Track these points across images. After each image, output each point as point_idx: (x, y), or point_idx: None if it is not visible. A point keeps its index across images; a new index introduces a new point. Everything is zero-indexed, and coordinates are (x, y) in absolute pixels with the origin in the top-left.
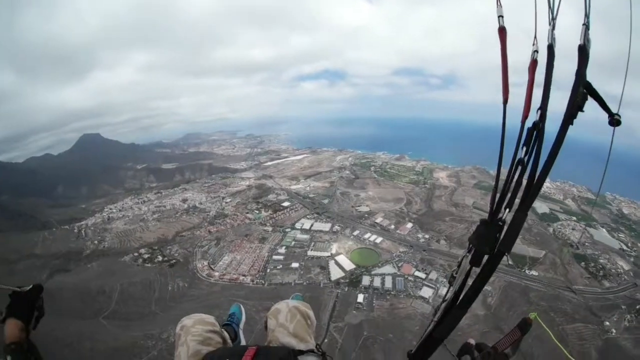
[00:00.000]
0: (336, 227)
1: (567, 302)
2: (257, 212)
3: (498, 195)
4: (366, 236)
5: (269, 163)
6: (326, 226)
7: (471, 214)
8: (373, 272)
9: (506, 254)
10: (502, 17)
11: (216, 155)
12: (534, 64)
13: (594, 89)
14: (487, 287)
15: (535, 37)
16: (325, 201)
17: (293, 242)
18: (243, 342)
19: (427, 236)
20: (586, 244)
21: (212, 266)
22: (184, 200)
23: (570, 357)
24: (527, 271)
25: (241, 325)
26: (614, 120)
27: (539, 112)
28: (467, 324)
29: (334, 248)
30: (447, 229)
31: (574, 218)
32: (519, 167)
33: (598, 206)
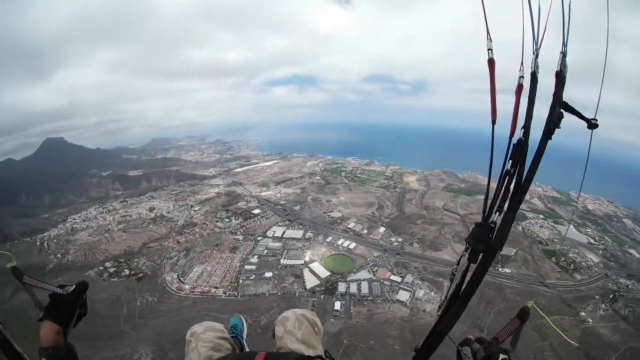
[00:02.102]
0: (309, 233)
1: (542, 296)
2: (227, 220)
3: (489, 201)
4: (339, 242)
5: (239, 169)
6: (298, 233)
7: (442, 216)
8: (349, 278)
9: (498, 251)
10: (492, 50)
11: (184, 162)
12: (519, 88)
13: (569, 106)
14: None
15: (521, 64)
16: (297, 208)
17: (265, 251)
18: None
19: (400, 240)
20: (555, 240)
21: (182, 279)
22: (151, 209)
23: (568, 339)
24: (500, 269)
25: (244, 336)
26: (592, 125)
27: (523, 130)
28: None
29: (308, 255)
30: (420, 231)
31: (541, 216)
32: (507, 177)
33: (563, 204)
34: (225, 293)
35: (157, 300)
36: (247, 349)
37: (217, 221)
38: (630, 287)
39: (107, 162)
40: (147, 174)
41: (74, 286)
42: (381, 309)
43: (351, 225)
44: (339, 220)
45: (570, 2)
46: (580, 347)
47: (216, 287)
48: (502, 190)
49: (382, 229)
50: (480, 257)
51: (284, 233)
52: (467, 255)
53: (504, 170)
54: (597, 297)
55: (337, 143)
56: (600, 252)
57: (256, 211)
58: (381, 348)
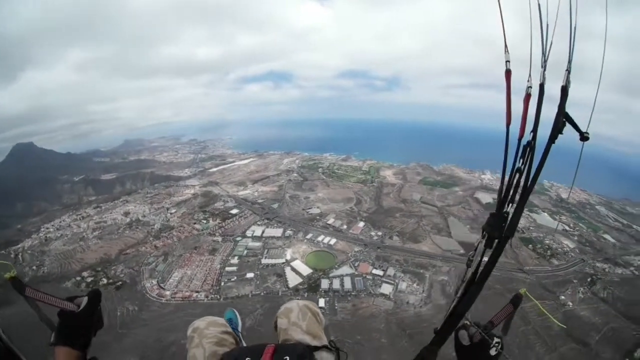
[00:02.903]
0: (288, 231)
1: (522, 282)
2: (204, 221)
3: (503, 193)
4: (320, 238)
5: (214, 169)
6: (278, 232)
7: (420, 208)
8: (331, 275)
9: (510, 237)
10: (509, 62)
11: (158, 163)
12: (527, 96)
13: (570, 118)
14: (444, 277)
15: (530, 75)
16: (275, 206)
17: (245, 251)
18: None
19: (380, 233)
20: (530, 227)
21: (161, 285)
22: (126, 214)
23: (558, 323)
24: (478, 258)
25: (239, 329)
26: (584, 137)
27: (532, 134)
28: (431, 314)
29: (289, 254)
30: (399, 224)
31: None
32: (517, 174)
33: (537, 193)
34: (207, 297)
35: (138, 308)
36: (243, 343)
37: (194, 223)
38: (607, 270)
39: (79, 166)
40: (120, 177)
41: (86, 298)
42: (365, 304)
43: (330, 221)
44: (318, 217)
45: (575, 24)
46: (563, 329)
47: (197, 291)
48: (513, 185)
49: (361, 224)
50: (495, 243)
51: (263, 232)
52: (483, 242)
53: (515, 168)
54: (575, 281)
55: (314, 139)
56: (576, 238)
57: (234, 211)
58: (368, 342)
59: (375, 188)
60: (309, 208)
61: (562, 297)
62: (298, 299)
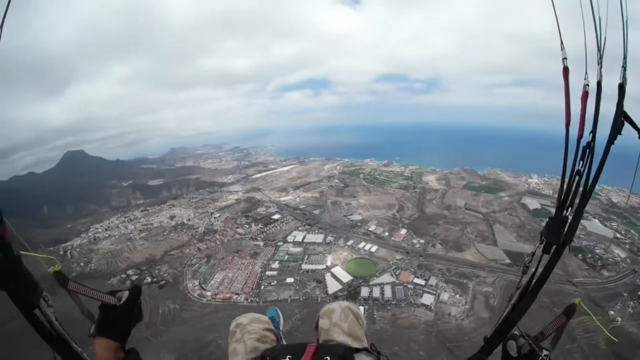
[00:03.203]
0: (329, 237)
1: (569, 295)
2: (247, 226)
3: (562, 197)
4: (361, 245)
5: (257, 175)
6: (319, 237)
7: (464, 215)
8: (371, 283)
9: (569, 244)
10: (566, 59)
11: (203, 170)
12: (585, 95)
13: (628, 116)
14: (488, 288)
15: (586, 73)
16: (316, 212)
17: (286, 256)
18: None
19: (422, 241)
20: (580, 235)
21: (203, 286)
22: (172, 217)
23: (611, 336)
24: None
25: (281, 328)
26: None
27: (591, 134)
28: (473, 327)
29: (329, 260)
30: (442, 232)
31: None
32: (577, 177)
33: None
34: (247, 299)
35: (179, 307)
36: (283, 342)
37: (237, 227)
38: None
39: (127, 172)
40: (166, 183)
41: (127, 292)
42: (405, 314)
43: (372, 228)
44: (359, 223)
45: (627, 18)
46: (610, 349)
47: (238, 294)
48: (573, 188)
49: (403, 231)
50: (553, 249)
51: (304, 238)
52: (541, 247)
53: (574, 170)
54: (625, 294)
55: (354, 145)
56: (627, 246)
57: (276, 216)
58: (406, 354)
59: (417, 194)
60: (350, 214)
61: (612, 312)
62: (341, 300)
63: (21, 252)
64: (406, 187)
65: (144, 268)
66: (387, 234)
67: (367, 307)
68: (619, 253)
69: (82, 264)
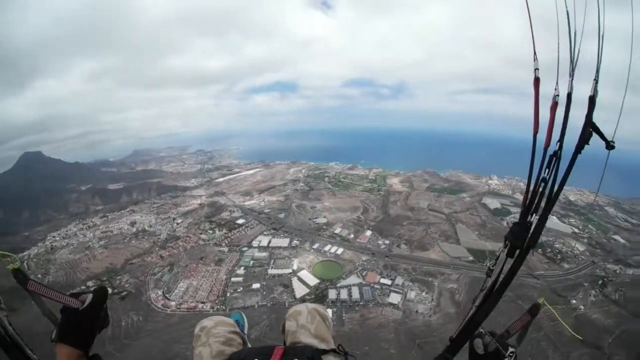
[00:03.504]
0: (295, 241)
1: (532, 288)
2: (210, 232)
3: (527, 202)
4: (327, 248)
5: (221, 179)
6: (285, 242)
7: (427, 216)
8: (338, 285)
9: (532, 248)
10: (538, 69)
11: (165, 173)
12: (554, 105)
13: (597, 127)
14: (453, 285)
15: (556, 83)
16: (282, 215)
17: (252, 262)
18: None
19: (387, 242)
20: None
21: (167, 295)
22: (132, 224)
23: (575, 335)
24: (488, 264)
25: (246, 331)
26: (610, 146)
27: (558, 144)
28: (441, 322)
29: (295, 264)
30: (406, 232)
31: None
32: (542, 184)
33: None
34: (213, 308)
35: (142, 319)
36: (249, 345)
37: (200, 233)
38: (618, 272)
39: (87, 176)
40: (127, 187)
41: (91, 295)
42: (374, 314)
43: (337, 231)
44: (324, 226)
45: (603, 33)
46: (575, 334)
47: (203, 302)
48: (538, 195)
49: (368, 233)
50: (517, 253)
51: (269, 242)
52: (505, 251)
53: (540, 177)
54: (586, 284)
55: (320, 149)
56: (585, 240)
57: (240, 221)
58: (377, 353)
59: (382, 196)
60: (316, 217)
61: (574, 301)
62: (307, 302)
63: None
64: (371, 190)
65: (105, 279)
66: (352, 236)
67: (335, 309)
68: (578, 246)
69: (39, 275)
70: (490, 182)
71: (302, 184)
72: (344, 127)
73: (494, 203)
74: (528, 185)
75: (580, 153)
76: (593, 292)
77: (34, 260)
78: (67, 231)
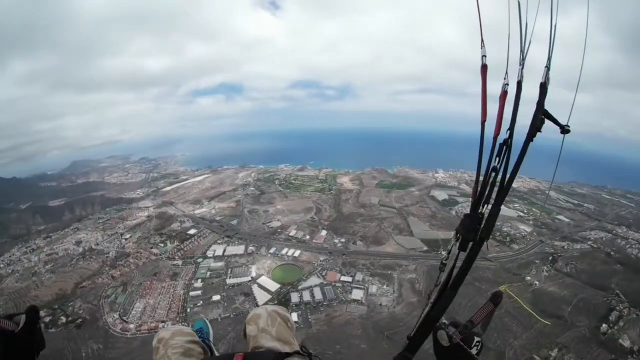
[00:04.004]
0: (251, 247)
1: (487, 269)
2: (162, 245)
3: (477, 193)
4: (284, 252)
5: (168, 188)
6: (240, 249)
7: (379, 211)
8: (300, 287)
9: (485, 240)
10: (485, 56)
11: (108, 185)
12: (504, 94)
13: (549, 114)
14: (411, 275)
15: (506, 72)
16: (234, 222)
17: (208, 273)
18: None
19: (343, 240)
20: None
21: (124, 318)
22: (78, 243)
23: (539, 318)
24: (442, 252)
25: (211, 339)
26: (565, 130)
27: (508, 132)
28: (405, 312)
29: (254, 270)
30: (360, 229)
31: (471, 199)
32: (493, 173)
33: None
34: (165, 327)
35: (102, 346)
36: (216, 353)
37: (151, 248)
38: (566, 247)
39: (25, 192)
40: (69, 203)
41: (24, 316)
42: (339, 312)
43: (292, 233)
44: (279, 230)
45: (556, 22)
46: (535, 307)
47: (163, 321)
48: (489, 185)
49: (324, 232)
50: (470, 245)
51: (224, 251)
52: (457, 245)
53: (491, 167)
54: (537, 261)
55: (268, 151)
56: (531, 222)
57: (192, 231)
58: (348, 350)
59: (333, 196)
60: (269, 221)
61: (528, 278)
62: (267, 305)
63: None
64: (322, 190)
65: (56, 306)
66: (308, 237)
67: (300, 312)
68: (525, 228)
69: None
70: (436, 175)
71: (252, 188)
72: (291, 129)
73: (441, 195)
74: (477, 175)
75: (532, 141)
76: (545, 267)
77: None
78: (10, 256)
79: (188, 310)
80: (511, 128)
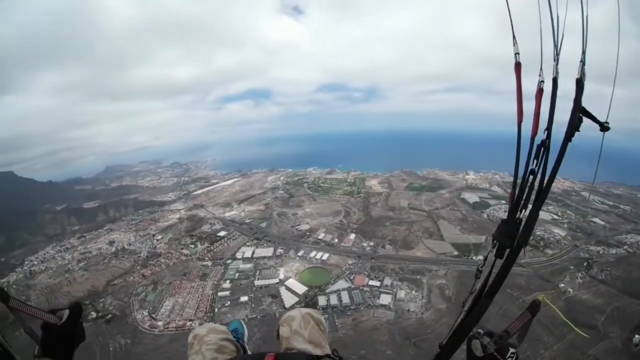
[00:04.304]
0: (279, 250)
1: (519, 276)
2: (192, 246)
3: (515, 197)
4: (312, 255)
5: (199, 191)
6: (269, 251)
7: (409, 214)
8: (327, 291)
9: (524, 247)
10: (518, 54)
11: (141, 188)
12: (540, 92)
13: (587, 111)
14: (441, 280)
15: (541, 69)
16: (263, 225)
17: (237, 274)
18: None
19: (372, 244)
20: None
21: (153, 315)
22: (111, 243)
23: (578, 330)
24: (473, 257)
25: (245, 339)
26: (604, 128)
27: (546, 132)
28: (433, 319)
29: (282, 273)
30: (390, 233)
31: (503, 201)
32: (531, 176)
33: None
34: (201, 325)
35: (130, 342)
36: (248, 353)
37: (182, 248)
38: (601, 252)
39: (61, 195)
40: (103, 205)
41: (67, 311)
42: (366, 316)
43: (321, 236)
44: (308, 233)
45: (587, 14)
46: (567, 316)
47: (191, 320)
48: (527, 188)
49: (352, 236)
50: (506, 252)
51: (253, 253)
52: (494, 251)
53: (529, 169)
54: (571, 267)
55: (297, 155)
56: (566, 225)
57: (222, 233)
58: (374, 356)
59: (362, 199)
60: (298, 224)
61: (562, 285)
62: (301, 307)
63: None
64: (350, 193)
65: (87, 302)
66: (336, 240)
67: (327, 315)
68: (559, 232)
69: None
70: (467, 177)
71: (281, 192)
72: (319, 132)
73: (472, 197)
74: (515, 178)
75: (570, 141)
76: (579, 274)
77: (14, 287)
78: (44, 254)
79: (216, 310)
80: (549, 128)
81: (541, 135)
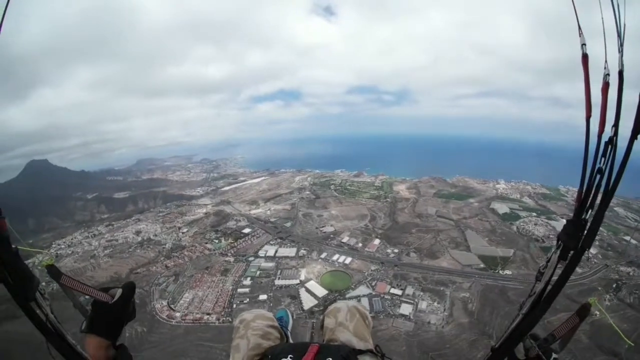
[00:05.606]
0: (302, 251)
1: None
2: (216, 241)
3: (582, 197)
4: (334, 258)
5: (227, 188)
6: (291, 251)
7: (436, 222)
8: (347, 296)
9: (588, 249)
10: (585, 45)
11: (171, 182)
12: (606, 85)
13: None
14: (465, 294)
15: (605, 61)
16: (288, 224)
17: (258, 272)
18: None
19: (396, 250)
20: (550, 236)
21: (172, 306)
22: (138, 233)
23: (627, 340)
24: (500, 271)
25: (289, 328)
26: None
27: (613, 129)
28: (454, 333)
29: (303, 274)
30: (415, 240)
31: (534, 214)
32: (598, 175)
33: (554, 200)
34: (218, 319)
35: (147, 330)
36: (291, 341)
37: (206, 243)
38: (631, 274)
39: (92, 184)
40: (133, 196)
41: (120, 290)
42: (384, 325)
43: (345, 240)
44: (332, 235)
45: None
46: (592, 341)
47: (209, 314)
48: (593, 188)
49: (377, 241)
50: (570, 254)
51: (276, 252)
52: (558, 253)
53: (596, 168)
54: (600, 288)
55: (325, 156)
56: (597, 243)
57: (246, 230)
58: None
59: (389, 204)
60: (323, 226)
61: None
62: (347, 300)
63: (17, 246)
64: (377, 197)
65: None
66: (360, 244)
67: None
68: (591, 250)
69: (43, 283)
70: (497, 186)
71: (308, 192)
72: (348, 134)
73: (502, 208)
74: (583, 177)
75: (636, 138)
76: (608, 296)
77: (39, 268)
78: (72, 239)
79: (234, 306)
80: (616, 125)
81: (608, 132)
